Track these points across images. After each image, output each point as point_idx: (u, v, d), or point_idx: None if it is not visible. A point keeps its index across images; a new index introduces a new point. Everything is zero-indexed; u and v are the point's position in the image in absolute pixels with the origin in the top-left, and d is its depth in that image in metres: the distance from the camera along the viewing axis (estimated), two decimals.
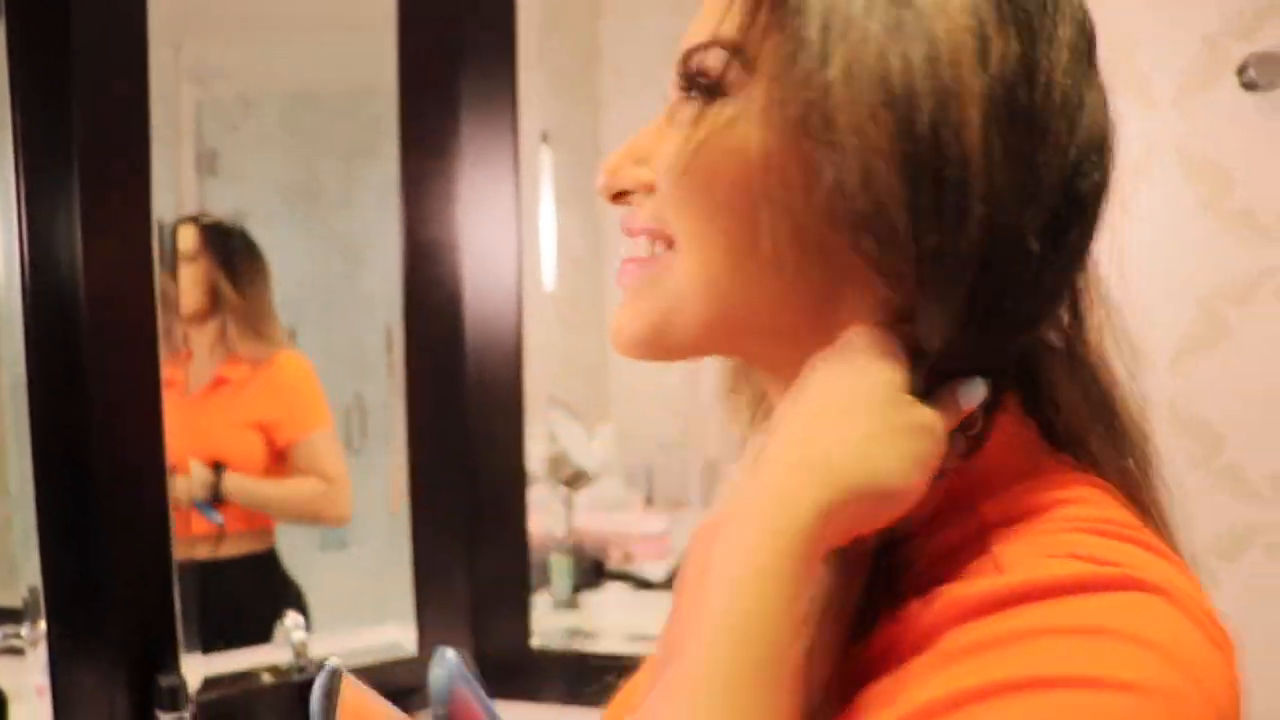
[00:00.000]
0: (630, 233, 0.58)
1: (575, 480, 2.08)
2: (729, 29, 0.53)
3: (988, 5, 0.48)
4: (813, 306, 0.53)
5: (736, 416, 0.66)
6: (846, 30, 0.48)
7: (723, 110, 0.53)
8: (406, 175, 1.59)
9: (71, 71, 1.29)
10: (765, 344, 0.56)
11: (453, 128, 1.61)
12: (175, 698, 1.29)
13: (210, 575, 1.63)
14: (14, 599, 1.31)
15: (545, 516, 1.98)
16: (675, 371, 1.83)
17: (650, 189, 0.55)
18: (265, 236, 1.75)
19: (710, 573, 0.46)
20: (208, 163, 1.76)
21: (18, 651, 1.30)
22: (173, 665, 1.33)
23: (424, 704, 1.54)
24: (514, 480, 1.67)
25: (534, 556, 1.79)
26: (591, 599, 2.00)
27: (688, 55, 0.54)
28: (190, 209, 1.70)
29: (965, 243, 0.47)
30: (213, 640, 1.47)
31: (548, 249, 2.01)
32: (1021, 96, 0.48)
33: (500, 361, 1.64)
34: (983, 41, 0.48)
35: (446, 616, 1.65)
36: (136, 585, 1.35)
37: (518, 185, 1.63)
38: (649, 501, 2.34)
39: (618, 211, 0.60)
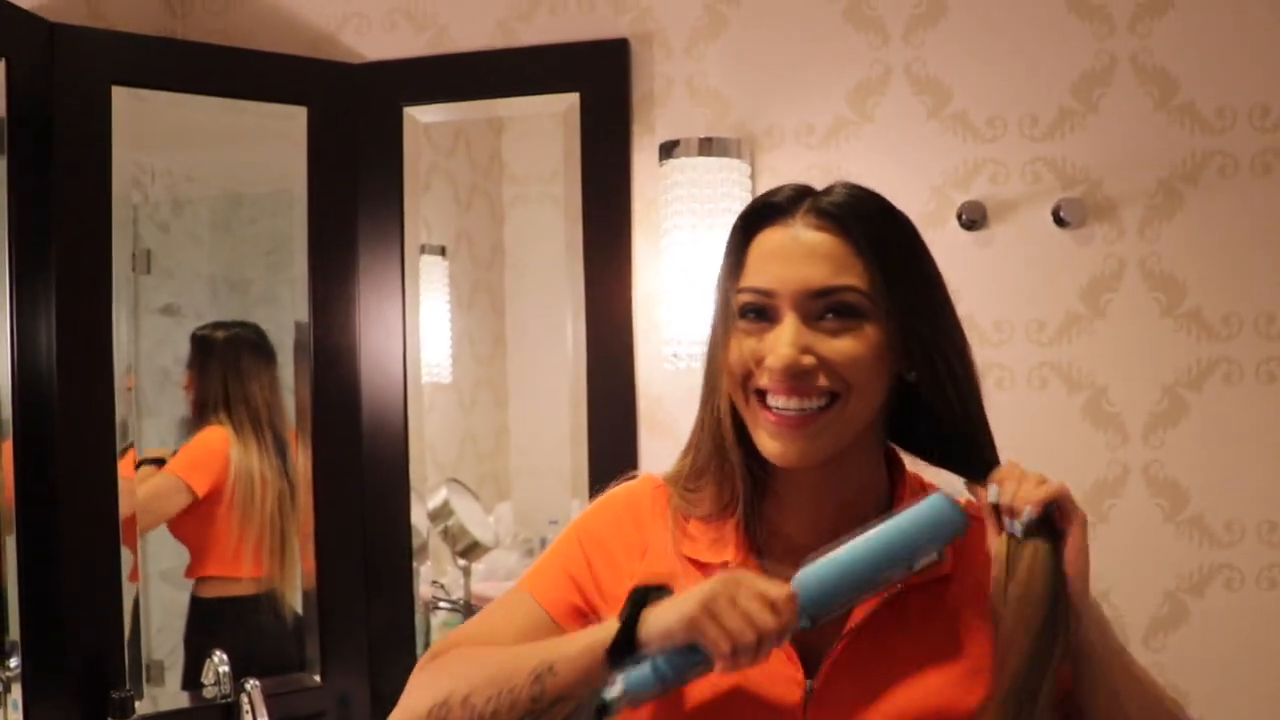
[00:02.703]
0: (803, 393, 0.98)
1: (471, 551, 2.48)
2: (859, 281, 0.99)
3: None
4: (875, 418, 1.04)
5: (702, 501, 1.08)
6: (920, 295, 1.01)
7: (869, 326, 0.99)
8: (314, 293, 2.11)
9: (51, 204, 1.79)
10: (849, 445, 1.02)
11: (351, 249, 2.14)
12: (124, 707, 1.73)
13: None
14: None
15: (446, 581, 2.38)
16: (565, 455, 2.24)
17: (817, 369, 0.98)
18: (193, 327, 2.15)
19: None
20: (142, 261, 2.05)
21: None
22: (123, 684, 1.78)
23: None
24: (403, 549, 2.17)
25: (435, 618, 2.25)
26: None
27: (834, 290, 0.99)
28: (128, 304, 2.07)
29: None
30: None
31: (442, 346, 2.43)
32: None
33: (390, 447, 2.14)
34: None
35: (347, 661, 2.09)
36: (93, 624, 1.81)
37: (404, 296, 2.15)
38: None
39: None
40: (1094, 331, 1.92)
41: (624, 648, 0.94)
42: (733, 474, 1.06)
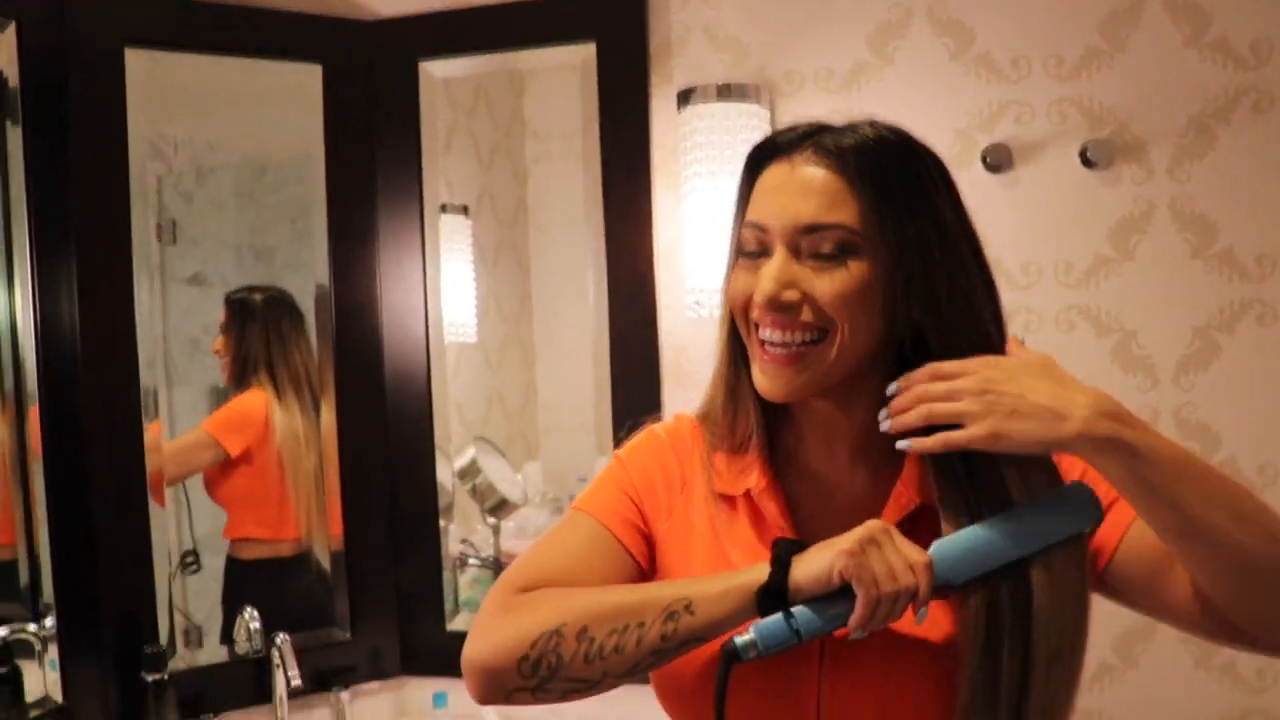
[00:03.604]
0: (787, 326, 0.99)
1: (499, 509, 2.49)
2: (849, 219, 0.98)
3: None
4: (873, 355, 1.02)
5: (725, 435, 1.09)
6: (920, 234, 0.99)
7: (855, 264, 0.98)
8: (334, 251, 2.11)
9: (69, 173, 1.79)
10: (850, 381, 1.02)
11: (370, 208, 2.13)
12: (158, 661, 1.75)
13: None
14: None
15: (476, 539, 2.39)
16: (591, 413, 2.24)
17: (801, 303, 0.99)
18: (223, 296, 2.16)
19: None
20: (168, 231, 2.08)
21: (25, 644, 1.74)
22: (156, 639, 1.81)
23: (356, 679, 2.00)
24: (430, 507, 2.18)
25: (464, 575, 2.26)
26: None
27: (822, 227, 0.98)
28: (155, 274, 2.08)
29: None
30: None
31: (468, 305, 2.43)
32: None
33: (414, 406, 2.15)
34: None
35: (377, 617, 2.10)
36: (126, 581, 1.83)
37: (424, 255, 2.15)
38: None
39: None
40: (1123, 274, 1.89)
41: (776, 590, 0.93)
42: (748, 405, 1.08)
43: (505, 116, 2.55)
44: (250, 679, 1.99)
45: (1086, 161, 1.86)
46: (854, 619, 0.91)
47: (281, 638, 1.93)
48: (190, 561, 2.08)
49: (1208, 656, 1.86)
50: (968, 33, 1.92)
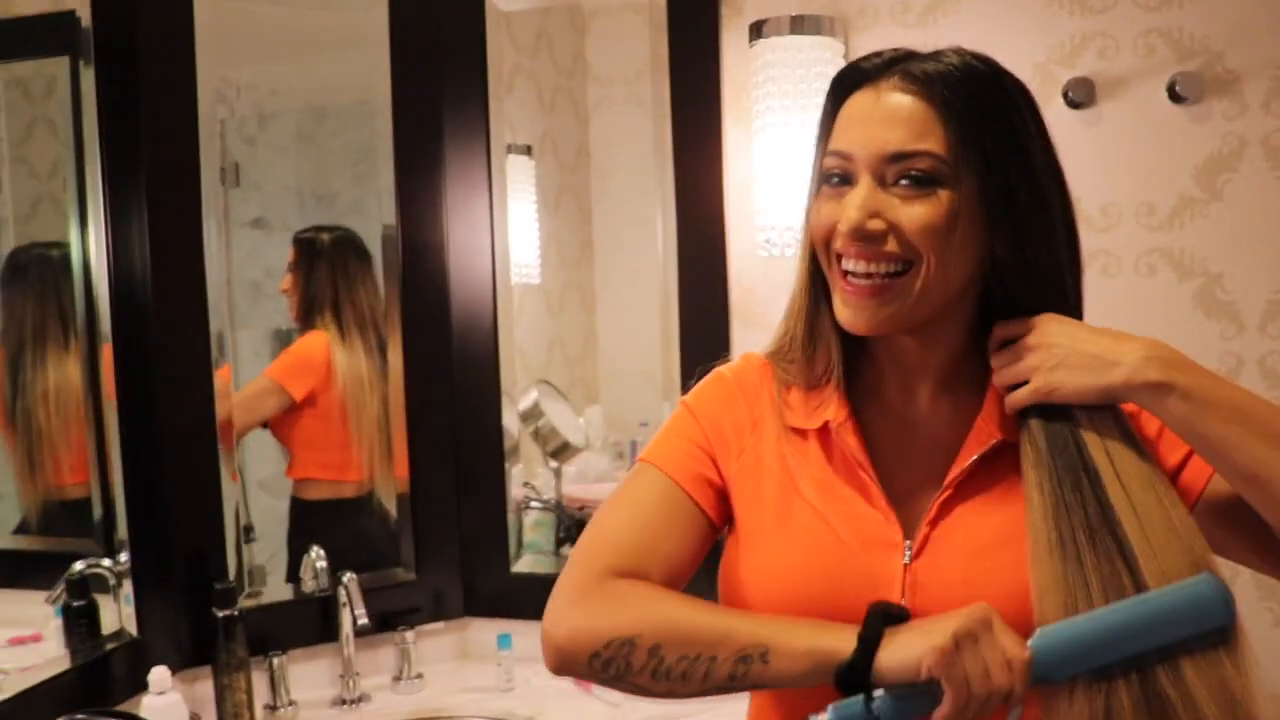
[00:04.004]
0: (872, 257, 0.96)
1: (562, 453, 2.48)
2: (936, 146, 0.95)
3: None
4: (957, 292, 0.99)
5: (801, 371, 1.07)
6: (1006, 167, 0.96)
7: (944, 193, 0.95)
8: (400, 189, 2.08)
9: (140, 114, 1.78)
10: (933, 317, 1.00)
11: (437, 147, 2.10)
12: (228, 598, 1.76)
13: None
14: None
15: (538, 482, 2.39)
16: (652, 360, 2.22)
17: (886, 233, 0.96)
18: (285, 240, 2.16)
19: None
20: (231, 175, 2.06)
21: (101, 579, 1.75)
22: (225, 576, 1.81)
23: (423, 619, 2.00)
24: (494, 450, 2.17)
25: (527, 518, 2.26)
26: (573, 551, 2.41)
27: (909, 155, 0.95)
28: (218, 217, 2.09)
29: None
30: None
31: (530, 248, 2.41)
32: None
33: (480, 348, 2.14)
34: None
35: (441, 558, 2.10)
36: (196, 519, 1.84)
37: (490, 194, 2.12)
38: None
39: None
40: (1209, 215, 1.81)
41: (858, 673, 0.89)
42: (828, 339, 1.05)
43: (567, 59, 2.51)
44: (316, 617, 2.00)
45: (1174, 96, 1.79)
46: (938, 716, 0.87)
47: (349, 577, 1.93)
48: (250, 537, 2.08)
49: None
50: None
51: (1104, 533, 0.92)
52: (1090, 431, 0.96)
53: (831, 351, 1.06)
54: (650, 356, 2.20)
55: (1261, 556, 0.99)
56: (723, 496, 1.08)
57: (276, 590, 2.07)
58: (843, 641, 0.90)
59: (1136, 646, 0.88)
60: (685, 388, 2.03)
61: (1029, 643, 0.88)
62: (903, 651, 0.87)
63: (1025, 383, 0.97)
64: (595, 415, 2.58)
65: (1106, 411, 0.96)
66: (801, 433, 1.06)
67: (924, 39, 1.89)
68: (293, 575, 2.06)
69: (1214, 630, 0.88)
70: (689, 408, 1.11)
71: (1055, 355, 0.95)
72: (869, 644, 0.88)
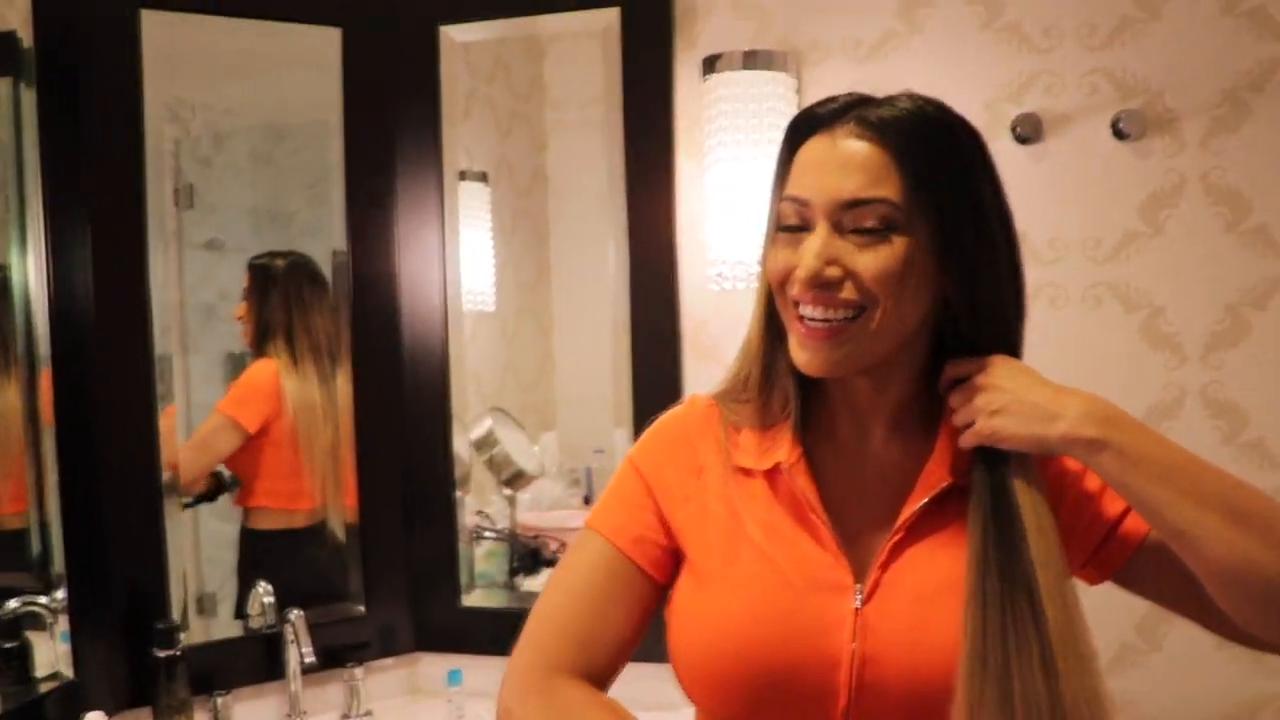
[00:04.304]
0: (828, 304, 0.97)
1: (516, 480, 2.46)
2: (892, 193, 0.95)
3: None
4: (909, 335, 1.00)
5: (755, 411, 1.08)
6: (959, 211, 0.97)
7: (899, 240, 0.96)
8: (351, 217, 2.06)
9: (82, 136, 1.75)
10: (887, 359, 1.01)
11: (389, 175, 2.09)
12: (169, 637, 1.72)
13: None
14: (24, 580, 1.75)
15: (491, 510, 2.37)
16: (608, 384, 2.20)
17: (843, 279, 0.97)
18: (241, 262, 2.13)
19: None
20: (185, 196, 2.04)
21: (36, 617, 1.71)
22: (167, 614, 1.78)
23: (372, 655, 1.97)
24: (444, 479, 2.14)
25: (480, 547, 2.23)
26: (528, 582, 2.39)
27: (865, 202, 0.96)
28: (170, 240, 2.03)
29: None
30: None
31: (485, 274, 2.39)
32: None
33: (431, 375, 2.12)
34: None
35: (390, 591, 2.08)
36: (135, 556, 1.81)
37: (443, 222, 2.11)
38: (587, 500, 2.71)
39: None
40: (1152, 249, 1.83)
41: None
42: (784, 380, 1.06)
43: (524, 84, 2.51)
44: (262, 655, 1.96)
45: (1118, 133, 1.81)
46: None
47: (296, 614, 1.89)
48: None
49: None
50: (997, 1, 1.86)
51: (1022, 589, 0.94)
52: (1022, 482, 0.97)
53: (787, 392, 1.06)
54: (606, 381, 2.18)
55: (1192, 608, 1.01)
56: (668, 551, 1.08)
57: (223, 626, 2.03)
58: None
59: None
60: (638, 418, 2.06)
61: None
62: None
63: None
64: (550, 442, 2.57)
65: (1032, 461, 0.99)
66: (749, 473, 1.06)
67: (875, 74, 1.90)
68: (241, 609, 2.03)
69: None
70: (633, 464, 1.12)
71: (999, 400, 0.97)
72: None
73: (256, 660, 1.95)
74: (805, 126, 1.02)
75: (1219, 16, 1.78)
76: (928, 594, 0.98)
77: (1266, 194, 1.79)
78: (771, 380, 1.07)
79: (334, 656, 1.98)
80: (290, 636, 1.90)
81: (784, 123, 1.80)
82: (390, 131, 2.08)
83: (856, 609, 0.98)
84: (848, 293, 0.97)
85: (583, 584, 1.07)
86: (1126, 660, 1.86)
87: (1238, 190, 1.80)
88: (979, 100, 1.86)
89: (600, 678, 1.06)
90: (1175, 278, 1.83)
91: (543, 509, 2.48)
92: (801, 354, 1.00)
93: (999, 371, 0.98)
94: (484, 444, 2.34)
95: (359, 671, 1.98)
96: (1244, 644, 1.01)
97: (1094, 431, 0.93)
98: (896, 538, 1.00)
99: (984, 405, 0.97)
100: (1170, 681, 1.85)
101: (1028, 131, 1.82)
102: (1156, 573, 1.01)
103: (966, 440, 0.99)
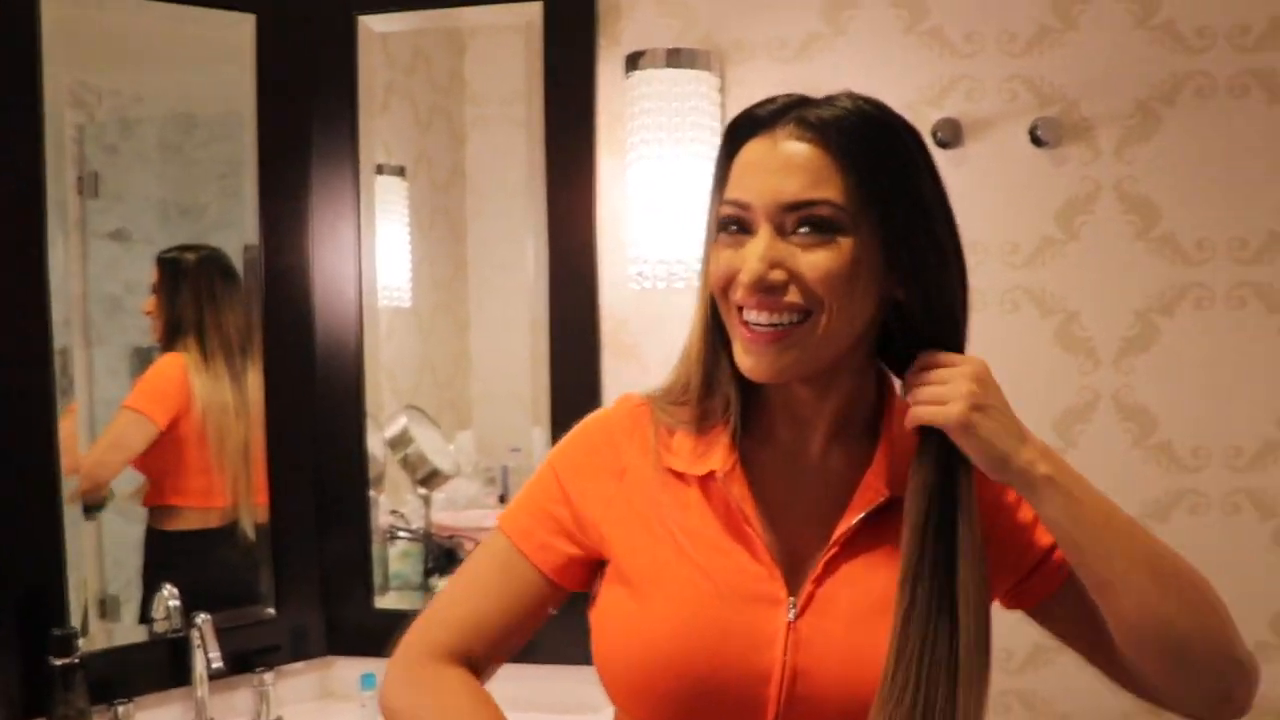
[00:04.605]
0: (773, 308, 0.95)
1: (431, 480, 2.42)
2: (834, 194, 0.93)
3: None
4: (855, 338, 0.98)
5: (694, 415, 1.05)
6: (903, 210, 0.95)
7: (844, 241, 0.94)
8: (264, 211, 2.00)
9: None
10: (831, 364, 0.98)
11: (304, 168, 2.03)
12: (66, 645, 1.64)
13: None
14: None
15: (406, 510, 2.32)
16: (525, 382, 2.17)
17: (787, 283, 0.94)
18: (149, 253, 2.05)
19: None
20: (90, 184, 1.97)
21: None
22: (65, 620, 1.70)
23: (282, 659, 1.91)
24: (358, 478, 2.09)
25: (394, 548, 2.19)
26: (443, 583, 2.35)
27: (807, 203, 0.94)
28: (73, 228, 1.95)
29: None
30: None
31: (401, 270, 2.35)
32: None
33: (345, 373, 2.07)
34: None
35: (302, 593, 2.02)
36: (30, 559, 1.73)
37: (359, 216, 2.06)
38: (502, 499, 2.67)
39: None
40: (1067, 254, 1.86)
41: None
42: (725, 384, 1.04)
43: (444, 77, 2.47)
44: (167, 660, 1.88)
45: (1036, 140, 1.83)
46: None
47: (202, 618, 1.83)
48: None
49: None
50: (922, 5, 1.87)
51: (947, 606, 0.93)
52: (965, 498, 0.96)
53: (729, 398, 1.04)
54: (523, 379, 2.15)
55: (1094, 652, 1.03)
56: (577, 561, 1.07)
57: (126, 632, 1.95)
58: None
59: None
60: (556, 417, 2.04)
61: None
62: None
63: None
64: (466, 440, 2.54)
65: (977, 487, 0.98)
66: (682, 477, 1.04)
67: (799, 75, 1.89)
68: (146, 614, 1.94)
69: None
70: (551, 468, 1.10)
71: (985, 399, 0.93)
72: None
73: (161, 666, 1.88)
74: (745, 128, 0.99)
75: (1132, 29, 1.81)
76: (862, 611, 0.97)
77: (1174, 203, 1.83)
78: (713, 386, 1.04)
79: (242, 661, 1.92)
80: (197, 641, 1.83)
81: (707, 121, 1.85)
82: (305, 123, 2.02)
83: (790, 622, 0.97)
84: (792, 296, 0.95)
85: (478, 578, 1.09)
86: (1039, 660, 1.89)
87: (1148, 199, 1.83)
88: (900, 103, 1.81)
89: (479, 665, 1.07)
90: (1089, 283, 1.85)
91: (458, 508, 2.45)
92: (746, 359, 0.98)
93: (988, 376, 0.96)
94: (399, 442, 2.30)
95: (268, 676, 1.92)
96: (1136, 694, 1.02)
97: (1049, 470, 0.93)
98: (832, 552, 0.98)
99: (967, 395, 0.93)
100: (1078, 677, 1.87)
101: (948, 136, 1.84)
102: (1070, 613, 1.03)
103: (930, 416, 0.94)
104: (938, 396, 0.94)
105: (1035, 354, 1.87)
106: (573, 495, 1.07)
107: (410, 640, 1.09)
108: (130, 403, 2.01)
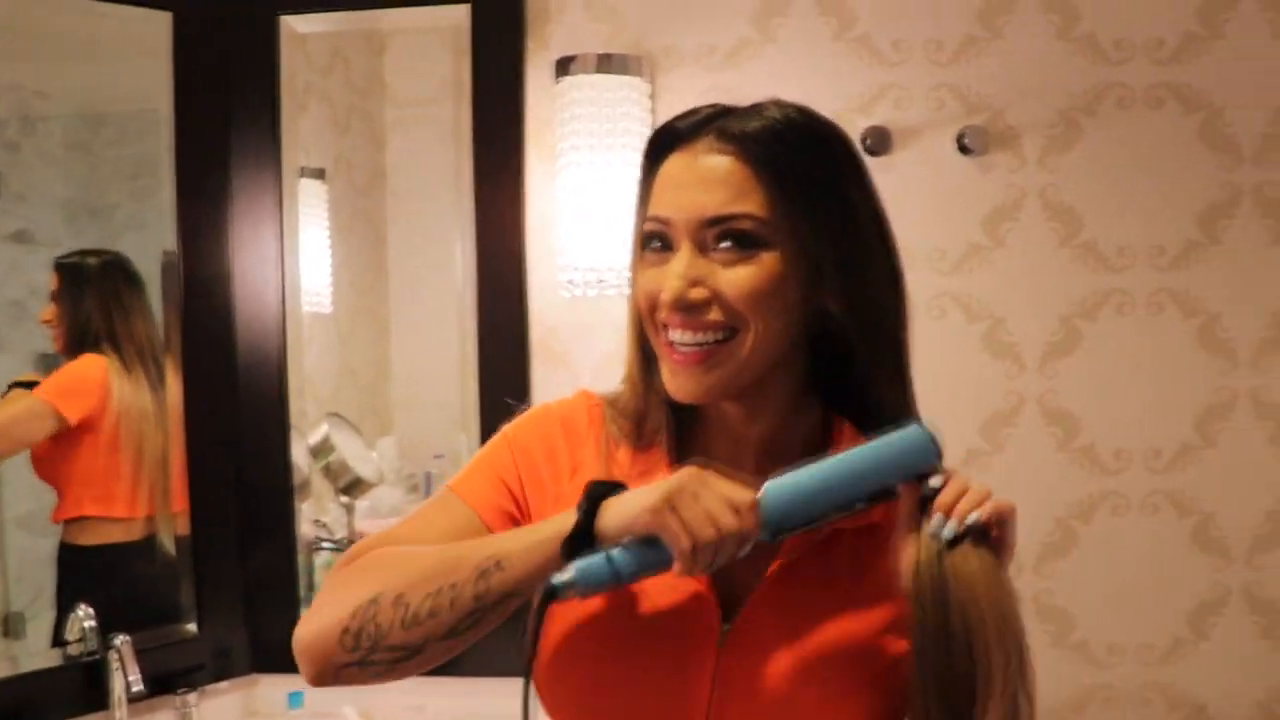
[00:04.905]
0: (696, 327, 0.92)
1: (354, 488, 2.37)
2: (755, 208, 0.90)
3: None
4: (784, 353, 0.95)
5: (632, 431, 1.02)
6: (829, 223, 0.92)
7: (766, 256, 0.91)
8: (183, 217, 1.93)
9: None
10: (760, 382, 0.95)
11: (224, 173, 1.97)
12: None
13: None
14: None
15: (328, 520, 2.26)
16: (448, 388, 2.13)
17: (710, 301, 0.92)
18: (53, 257, 1.96)
19: None
20: None
21: None
22: None
23: (206, 679, 1.85)
24: (282, 488, 2.03)
25: (318, 559, 2.13)
26: None
27: (727, 218, 0.91)
28: None
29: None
30: None
31: (321, 275, 2.29)
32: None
33: (267, 381, 2.01)
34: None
35: (225, 609, 1.95)
36: None
37: (281, 221, 2.00)
38: None
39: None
40: (994, 261, 1.88)
41: (581, 539, 0.87)
42: (656, 405, 1.01)
43: (363, 78, 2.42)
44: (83, 685, 1.80)
45: (963, 148, 1.85)
46: (675, 567, 0.87)
47: (121, 639, 1.75)
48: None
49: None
50: (850, 13, 1.88)
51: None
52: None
53: (661, 417, 1.01)
54: (446, 385, 2.13)
55: None
56: None
57: (36, 656, 1.86)
58: (565, 520, 0.89)
59: (857, 491, 0.90)
60: (484, 423, 2.01)
61: (759, 492, 0.89)
62: (621, 515, 0.87)
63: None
64: (388, 447, 2.50)
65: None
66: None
67: (729, 81, 1.89)
68: (59, 636, 1.86)
69: (926, 471, 0.90)
70: (507, 439, 1.05)
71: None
72: (588, 513, 0.88)
73: (76, 691, 1.79)
74: (665, 142, 0.96)
75: (1055, 40, 1.84)
76: (796, 634, 0.94)
77: (1096, 211, 1.86)
78: (646, 405, 1.01)
79: (164, 683, 1.85)
80: (115, 663, 1.76)
81: (637, 128, 1.83)
82: (225, 124, 1.96)
83: (720, 647, 0.94)
84: (715, 314, 0.92)
85: (429, 526, 0.99)
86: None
87: (1071, 207, 1.86)
88: (830, 111, 1.80)
89: None
90: (1015, 290, 1.88)
91: (381, 516, 2.40)
92: (672, 381, 0.95)
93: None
94: (320, 450, 2.25)
95: (192, 697, 1.85)
96: None
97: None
98: (764, 585, 0.95)
99: (991, 493, 0.89)
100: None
101: (876, 143, 1.84)
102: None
103: (995, 513, 0.88)
104: (976, 499, 0.88)
105: (962, 359, 1.89)
106: (525, 478, 1.02)
107: (347, 552, 0.98)
108: (41, 392, 1.93)
